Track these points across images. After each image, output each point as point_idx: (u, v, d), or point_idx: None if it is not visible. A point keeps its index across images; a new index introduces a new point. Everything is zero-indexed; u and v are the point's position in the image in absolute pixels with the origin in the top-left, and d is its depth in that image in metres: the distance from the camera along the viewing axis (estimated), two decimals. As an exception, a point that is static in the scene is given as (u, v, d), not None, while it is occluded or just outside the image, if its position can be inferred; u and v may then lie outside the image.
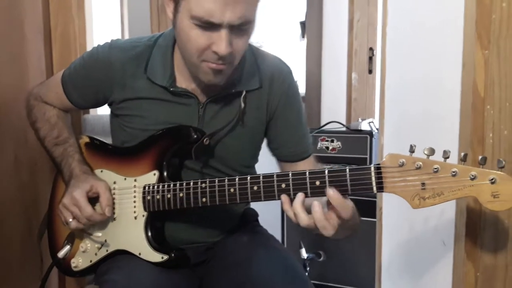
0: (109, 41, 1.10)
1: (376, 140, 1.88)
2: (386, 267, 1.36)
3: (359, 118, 2.12)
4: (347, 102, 2.28)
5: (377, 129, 1.95)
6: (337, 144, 1.92)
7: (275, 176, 0.87)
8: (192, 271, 1.07)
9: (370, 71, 2.30)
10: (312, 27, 2.36)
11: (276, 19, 2.87)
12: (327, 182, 0.82)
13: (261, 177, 0.88)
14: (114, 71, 1.05)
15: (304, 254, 1.75)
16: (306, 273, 1.75)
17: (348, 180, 0.80)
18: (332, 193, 0.79)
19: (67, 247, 1.08)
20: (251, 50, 1.09)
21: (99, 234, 1.06)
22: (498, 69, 0.92)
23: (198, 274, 1.08)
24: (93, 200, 1.02)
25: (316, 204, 0.81)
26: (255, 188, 0.88)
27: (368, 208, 1.58)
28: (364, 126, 1.97)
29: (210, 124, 1.04)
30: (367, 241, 1.73)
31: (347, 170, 0.80)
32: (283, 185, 0.86)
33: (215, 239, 1.12)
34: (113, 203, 1.04)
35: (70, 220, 1.01)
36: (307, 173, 0.84)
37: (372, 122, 2.02)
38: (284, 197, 0.84)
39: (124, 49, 1.06)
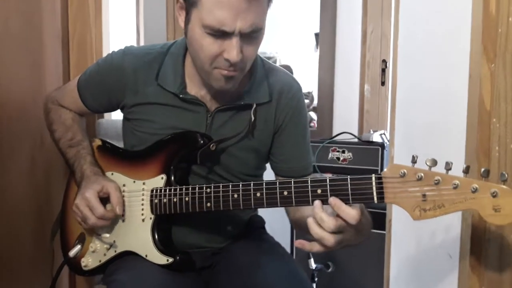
0: (123, 47, 1.13)
1: (387, 152, 1.88)
2: (394, 279, 1.35)
3: (371, 130, 2.11)
4: (359, 113, 2.28)
5: (388, 141, 1.94)
6: (348, 155, 1.92)
7: (277, 183, 0.88)
8: (198, 275, 1.09)
9: (383, 83, 2.29)
10: (325, 38, 2.37)
11: (291, 31, 2.90)
12: (328, 190, 0.83)
13: (264, 184, 0.90)
14: (127, 76, 1.08)
15: (312, 264, 1.75)
16: (314, 284, 1.75)
17: (349, 189, 0.81)
18: (333, 201, 0.80)
19: (78, 247, 1.11)
20: (262, 64, 1.11)
21: (108, 235, 1.08)
22: (505, 82, 0.92)
23: (204, 278, 1.10)
24: (104, 200, 1.05)
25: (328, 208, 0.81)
26: (258, 194, 0.90)
27: (377, 220, 1.57)
28: (376, 137, 1.97)
29: (217, 133, 1.06)
30: (375, 253, 1.72)
31: (348, 179, 0.81)
32: (285, 193, 0.87)
33: (221, 245, 1.14)
34: (123, 204, 1.07)
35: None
36: (309, 181, 0.85)
37: (384, 134, 2.01)
38: (318, 202, 0.83)
39: (137, 55, 1.09)
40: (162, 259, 1.02)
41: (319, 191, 0.83)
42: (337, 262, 1.85)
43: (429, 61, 1.21)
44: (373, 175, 0.79)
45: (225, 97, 1.05)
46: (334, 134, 2.17)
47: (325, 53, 2.37)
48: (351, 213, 0.79)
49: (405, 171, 0.76)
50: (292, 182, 0.86)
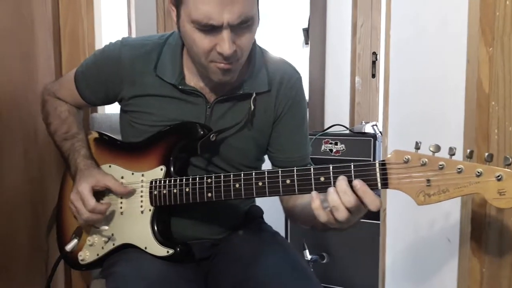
0: (120, 39, 1.12)
1: (379, 143, 1.90)
2: (390, 268, 1.37)
3: (363, 121, 2.13)
4: (351, 106, 2.30)
5: (380, 132, 1.96)
6: (341, 146, 1.94)
7: (280, 172, 0.88)
8: (198, 266, 1.08)
9: (374, 75, 2.32)
10: (315, 32, 2.38)
11: (279, 27, 2.89)
12: (331, 178, 0.83)
13: (266, 172, 0.89)
14: (124, 68, 1.07)
15: (307, 255, 1.76)
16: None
17: (353, 176, 0.81)
18: (359, 183, 0.80)
19: (75, 241, 1.10)
20: (261, 52, 1.10)
21: (106, 228, 1.07)
22: (503, 65, 0.93)
23: (203, 269, 1.09)
24: (100, 194, 1.04)
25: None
26: (260, 183, 0.89)
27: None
28: (368, 129, 1.99)
29: (217, 124, 1.05)
30: (370, 243, 1.74)
31: (352, 166, 0.81)
32: (288, 181, 0.87)
33: (220, 236, 1.13)
34: (121, 197, 1.06)
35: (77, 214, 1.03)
36: (312, 169, 0.85)
37: (375, 125, 2.03)
38: (314, 193, 0.83)
39: (134, 46, 1.08)
40: (162, 251, 1.01)
41: (322, 178, 0.84)
42: (332, 253, 1.86)
43: (422, 49, 1.22)
44: (377, 161, 0.80)
45: (224, 88, 1.05)
46: (326, 127, 2.18)
47: (316, 47, 2.38)
48: (376, 200, 0.79)
49: (409, 157, 0.77)
50: (295, 170, 0.86)
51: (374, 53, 2.30)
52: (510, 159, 0.70)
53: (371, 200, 0.80)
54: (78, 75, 1.16)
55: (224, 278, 1.04)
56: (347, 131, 2.05)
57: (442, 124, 1.13)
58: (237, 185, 0.92)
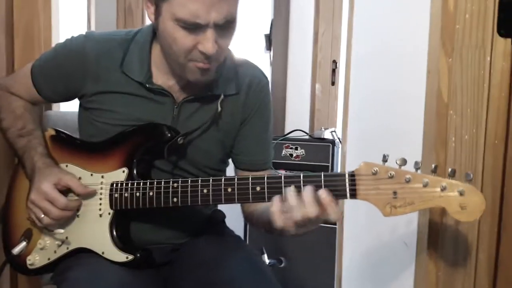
0: (84, 33, 1.07)
1: (337, 149, 1.95)
2: (346, 272, 1.39)
3: (322, 127, 2.18)
4: (311, 112, 2.34)
5: (338, 138, 2.01)
6: (301, 151, 1.96)
7: (250, 178, 0.87)
8: (157, 271, 1.05)
9: (333, 83, 2.37)
10: (278, 39, 2.41)
11: (240, 32, 2.90)
12: (301, 186, 0.83)
13: (236, 179, 0.89)
14: (88, 62, 1.02)
15: (266, 259, 1.77)
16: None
17: (323, 185, 0.82)
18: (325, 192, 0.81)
19: (23, 244, 1.03)
20: (230, 56, 1.09)
21: (61, 231, 1.01)
22: (461, 76, 0.98)
23: (163, 274, 1.06)
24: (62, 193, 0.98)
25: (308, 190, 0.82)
26: (229, 190, 0.89)
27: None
28: (327, 135, 2.03)
29: (184, 125, 1.03)
30: (327, 247, 1.78)
31: (322, 175, 0.82)
32: (258, 188, 0.86)
33: (182, 241, 1.11)
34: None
35: (42, 215, 0.97)
36: (283, 177, 0.85)
37: (334, 131, 2.08)
38: (276, 197, 0.83)
39: (100, 41, 1.04)
40: (121, 256, 0.97)
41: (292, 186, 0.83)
42: (289, 258, 1.88)
43: (383, 59, 1.26)
44: (347, 172, 0.81)
45: (194, 88, 1.03)
46: (286, 132, 2.21)
47: (278, 53, 2.40)
48: (338, 211, 0.81)
49: (377, 169, 0.78)
50: (266, 177, 0.86)
51: (334, 61, 2.35)
52: (471, 175, 0.74)
53: (334, 210, 0.81)
54: (35, 69, 1.09)
55: (186, 283, 1.02)
56: (307, 137, 2.08)
57: (401, 132, 1.17)
58: (205, 191, 0.90)
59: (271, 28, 2.44)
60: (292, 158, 1.96)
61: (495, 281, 1.00)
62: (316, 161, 1.93)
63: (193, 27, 0.88)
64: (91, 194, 0.99)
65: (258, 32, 2.76)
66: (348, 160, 1.33)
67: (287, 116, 2.35)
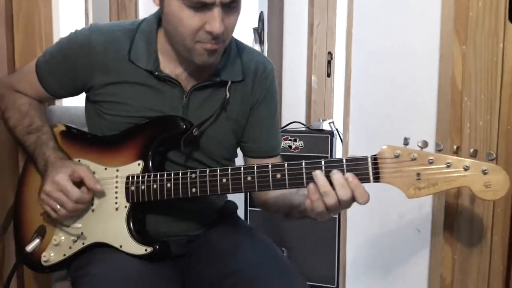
0: (87, 25, 1.06)
1: (335, 140, 1.97)
2: (351, 262, 1.41)
3: (320, 119, 2.19)
4: (307, 104, 2.35)
5: (337, 129, 2.03)
6: (299, 143, 1.97)
7: (270, 166, 0.88)
8: (174, 263, 1.05)
9: (329, 75, 2.38)
10: (273, 31, 2.41)
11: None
12: (323, 171, 0.83)
13: (255, 167, 0.89)
14: (96, 54, 1.01)
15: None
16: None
17: (345, 170, 0.82)
18: (351, 177, 0.82)
19: (37, 241, 1.02)
20: (235, 42, 1.09)
21: (78, 225, 1.00)
22: (475, 63, 1.00)
23: (180, 266, 1.06)
24: (76, 185, 0.97)
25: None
26: (249, 178, 0.88)
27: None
28: (325, 126, 2.05)
29: (194, 114, 1.02)
30: (329, 237, 1.79)
31: (344, 160, 0.83)
32: (278, 175, 0.87)
33: (197, 232, 1.11)
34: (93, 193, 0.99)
35: (59, 207, 0.95)
36: (303, 163, 0.85)
37: (332, 122, 2.10)
38: (311, 186, 0.83)
39: (105, 32, 1.03)
40: (139, 249, 0.97)
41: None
42: (291, 248, 1.89)
43: (387, 49, 1.27)
44: (369, 156, 0.82)
45: (201, 75, 1.02)
46: (283, 124, 2.21)
47: (273, 46, 2.40)
48: (365, 193, 0.81)
49: (400, 152, 0.79)
50: (286, 164, 0.86)
51: (330, 53, 2.36)
52: (494, 155, 0.76)
53: (361, 193, 0.82)
54: (40, 65, 1.07)
55: (203, 274, 1.02)
56: (305, 129, 2.09)
57: (408, 119, 1.18)
58: (224, 180, 0.90)
59: (259, 21, 2.44)
60: (291, 150, 1.97)
61: (509, 263, 1.02)
62: (315, 152, 1.94)
63: (199, 6, 0.88)
64: (100, 189, 0.98)
65: (245, 26, 2.76)
66: (351, 149, 1.34)
67: (283, 108, 2.36)
